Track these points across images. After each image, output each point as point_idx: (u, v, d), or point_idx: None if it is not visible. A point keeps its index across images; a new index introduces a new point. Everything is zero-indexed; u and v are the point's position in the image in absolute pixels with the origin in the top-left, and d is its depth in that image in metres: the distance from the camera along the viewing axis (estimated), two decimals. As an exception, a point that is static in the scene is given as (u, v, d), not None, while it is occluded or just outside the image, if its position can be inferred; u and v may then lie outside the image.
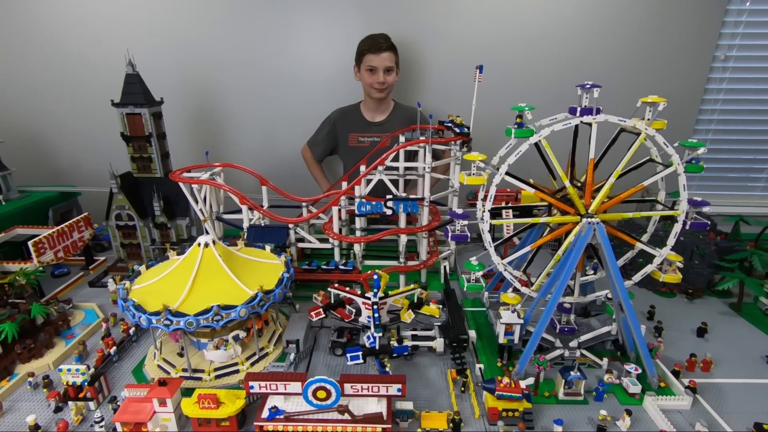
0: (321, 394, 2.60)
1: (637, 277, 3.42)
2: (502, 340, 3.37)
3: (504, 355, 3.48)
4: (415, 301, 3.63)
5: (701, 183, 6.77)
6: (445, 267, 4.79)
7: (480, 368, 3.34)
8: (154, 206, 4.78)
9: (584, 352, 3.44)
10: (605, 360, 3.40)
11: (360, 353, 3.28)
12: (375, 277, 3.54)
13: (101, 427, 2.82)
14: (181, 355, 3.39)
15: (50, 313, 3.73)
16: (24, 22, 6.09)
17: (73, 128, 6.49)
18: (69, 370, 2.96)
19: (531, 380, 3.01)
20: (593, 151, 3.06)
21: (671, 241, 3.24)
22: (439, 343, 3.56)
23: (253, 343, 3.40)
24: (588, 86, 2.93)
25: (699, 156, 3.09)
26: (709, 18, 5.92)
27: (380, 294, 3.39)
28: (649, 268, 3.36)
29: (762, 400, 3.15)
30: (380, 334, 3.35)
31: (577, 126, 3.14)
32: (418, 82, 6.45)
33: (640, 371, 3.20)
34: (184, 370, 3.24)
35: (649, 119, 3.04)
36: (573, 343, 3.46)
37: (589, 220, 3.08)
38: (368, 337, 3.40)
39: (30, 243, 4.13)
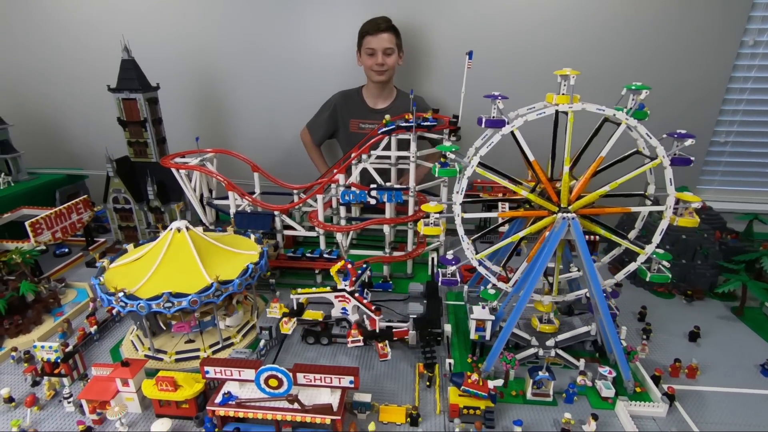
0: (273, 382, 2.60)
1: (620, 275, 3.25)
2: (473, 335, 3.28)
3: (476, 351, 3.40)
4: (295, 307, 3.55)
5: (714, 178, 6.38)
6: (433, 258, 4.69)
7: (450, 363, 3.27)
8: (148, 190, 4.88)
9: (560, 351, 3.30)
10: (582, 361, 3.26)
11: None
12: (349, 266, 3.51)
13: (69, 403, 2.92)
14: (192, 341, 3.45)
15: (40, 291, 3.89)
16: (32, 11, 6.29)
17: (81, 112, 6.69)
18: (43, 346, 3.07)
19: (500, 382, 2.92)
20: (568, 143, 2.89)
21: (657, 238, 3.05)
22: (411, 336, 3.51)
23: (217, 331, 3.43)
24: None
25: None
26: (737, -1, 5.48)
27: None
28: (632, 266, 3.18)
29: (746, 411, 2.95)
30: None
31: (556, 116, 2.98)
32: (423, 70, 6.30)
33: (615, 374, 3.05)
34: (155, 351, 3.33)
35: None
36: (549, 342, 3.34)
37: (564, 214, 2.92)
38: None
39: (27, 223, 4.29)
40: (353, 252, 4.58)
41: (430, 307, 3.75)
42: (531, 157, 3.03)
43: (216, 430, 2.69)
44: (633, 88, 2.82)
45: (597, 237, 4.24)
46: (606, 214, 3.05)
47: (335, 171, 4.33)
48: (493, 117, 2.95)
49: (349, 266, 3.44)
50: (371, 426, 2.65)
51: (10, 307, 3.65)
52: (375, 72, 5.60)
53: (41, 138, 6.77)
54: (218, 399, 2.67)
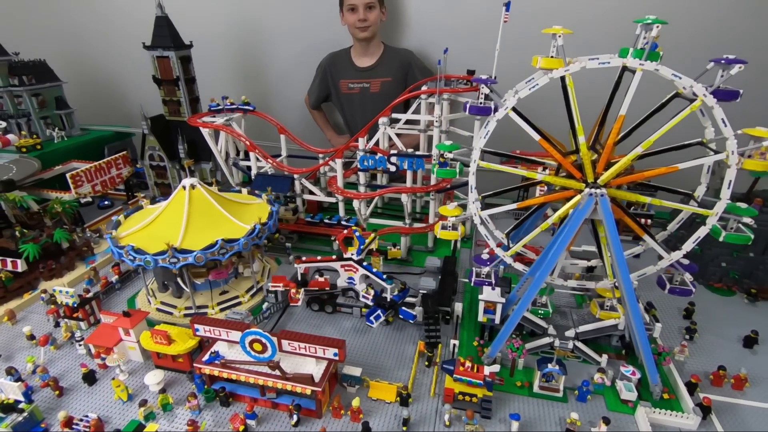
0: (257, 346, 2.53)
1: (689, 244, 2.66)
2: (481, 318, 3.01)
3: (484, 335, 3.14)
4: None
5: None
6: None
7: (454, 345, 3.05)
8: (179, 149, 4.97)
9: (579, 344, 2.95)
10: (605, 357, 2.90)
11: (379, 312, 3.19)
12: (356, 235, 3.35)
13: (80, 346, 3.07)
14: (225, 291, 3.57)
15: (74, 239, 4.12)
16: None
17: (130, 71, 6.92)
18: (62, 291, 3.24)
19: (497, 367, 2.65)
20: (626, 106, 2.43)
21: (726, 191, 2.49)
22: (418, 312, 3.31)
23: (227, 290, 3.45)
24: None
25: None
26: None
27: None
28: (703, 231, 2.60)
29: (801, 436, 2.48)
30: (392, 285, 3.22)
31: (620, 77, 2.52)
32: (406, 21, 5.86)
33: (639, 376, 2.67)
34: (164, 304, 3.42)
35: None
36: (569, 333, 2.99)
37: (593, 191, 2.52)
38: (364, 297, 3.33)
39: (68, 175, 4.54)
40: (373, 221, 4.40)
41: (443, 284, 3.51)
42: (536, 136, 2.63)
43: (205, 386, 2.70)
44: (647, 22, 2.28)
45: (649, 221, 3.73)
46: (645, 178, 2.57)
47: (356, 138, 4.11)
48: (481, 104, 2.64)
49: (357, 234, 3.27)
50: (355, 401, 2.52)
51: (47, 253, 3.90)
52: (358, 29, 5.34)
53: (94, 96, 7.14)
54: (206, 357, 2.66)
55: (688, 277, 2.76)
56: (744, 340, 3.14)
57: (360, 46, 5.60)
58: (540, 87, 2.49)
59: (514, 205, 2.87)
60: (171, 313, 3.39)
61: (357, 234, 3.37)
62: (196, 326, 2.68)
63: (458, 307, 3.38)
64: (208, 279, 3.45)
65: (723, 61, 2.28)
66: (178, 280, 3.36)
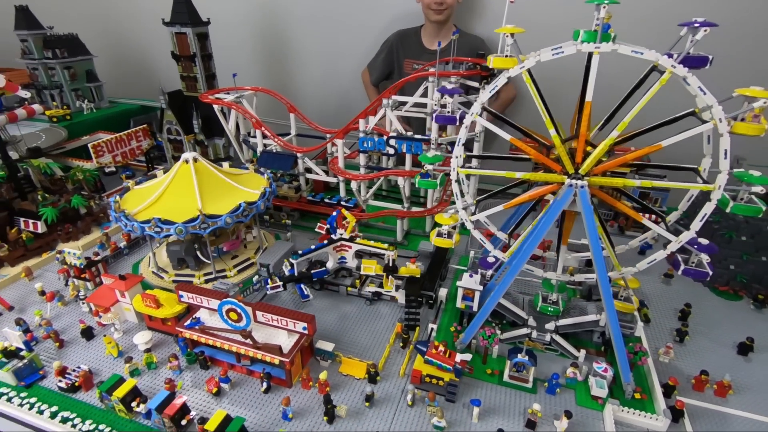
0: (233, 315, 2.66)
1: (696, 223, 2.47)
2: (459, 304, 3.01)
3: (463, 321, 3.14)
4: (389, 264, 3.38)
5: None
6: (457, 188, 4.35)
7: (432, 328, 3.07)
8: (193, 124, 5.15)
9: (557, 337, 2.91)
10: (583, 352, 2.84)
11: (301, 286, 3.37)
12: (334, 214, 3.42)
13: (83, 304, 3.31)
14: (234, 256, 3.82)
15: (91, 205, 4.39)
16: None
17: (156, 47, 7.14)
18: (70, 252, 3.49)
19: (469, 356, 2.67)
20: (591, 92, 2.34)
21: (724, 162, 2.28)
22: (400, 295, 3.35)
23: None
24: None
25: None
26: None
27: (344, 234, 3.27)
28: (709, 207, 2.37)
29: (780, 450, 2.36)
30: (296, 261, 3.37)
31: (588, 60, 2.40)
32: (482, 9, 5.62)
33: (610, 372, 2.61)
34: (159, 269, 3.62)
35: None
36: (549, 325, 2.95)
37: (573, 181, 2.44)
38: (286, 265, 3.49)
39: (90, 145, 4.82)
40: (377, 204, 4.43)
41: (431, 269, 3.53)
42: (506, 136, 2.58)
43: (188, 350, 2.87)
44: (597, 2, 2.15)
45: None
46: (628, 161, 2.44)
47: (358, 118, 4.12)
48: (448, 113, 2.64)
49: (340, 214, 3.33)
50: (323, 374, 2.61)
51: (65, 217, 4.18)
52: (433, 11, 5.12)
53: (123, 70, 7.44)
54: (188, 322, 2.82)
55: (704, 258, 2.48)
56: (738, 347, 2.99)
57: (432, 28, 5.42)
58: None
59: (501, 207, 2.80)
60: (162, 278, 3.59)
61: (333, 216, 3.42)
62: (181, 293, 2.83)
63: (443, 292, 3.40)
64: (217, 248, 3.65)
65: (697, 25, 2.10)
66: (198, 253, 3.56)
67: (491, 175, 2.73)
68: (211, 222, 3.21)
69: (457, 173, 2.71)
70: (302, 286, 3.40)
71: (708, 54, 2.16)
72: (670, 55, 2.18)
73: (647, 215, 2.63)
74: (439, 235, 2.87)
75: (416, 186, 2.96)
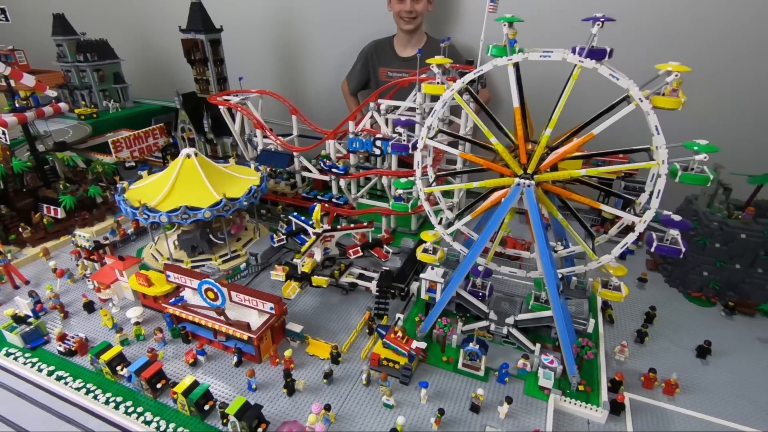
0: (210, 294, 2.93)
1: (617, 250, 2.57)
2: (423, 296, 3.19)
3: (427, 312, 3.31)
4: (369, 240, 3.65)
5: None
6: (441, 219, 4.54)
7: (399, 318, 3.26)
8: (203, 123, 5.54)
9: (514, 331, 3.04)
10: (538, 346, 2.97)
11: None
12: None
13: (89, 281, 3.68)
14: (238, 239, 4.23)
15: (106, 195, 4.81)
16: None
17: (179, 52, 7.64)
18: (81, 236, 3.87)
19: (423, 344, 2.84)
20: (515, 99, 2.51)
21: (654, 202, 2.35)
22: (373, 286, 3.55)
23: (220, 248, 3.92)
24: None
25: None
26: None
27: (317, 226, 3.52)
28: (629, 238, 2.46)
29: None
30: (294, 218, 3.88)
31: (517, 67, 2.56)
32: (456, 16, 5.86)
33: (556, 364, 2.73)
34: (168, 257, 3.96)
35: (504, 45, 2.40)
36: (509, 320, 3.09)
37: (520, 181, 2.59)
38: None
39: (110, 141, 5.26)
40: (367, 201, 4.66)
41: (406, 264, 3.72)
42: (456, 152, 2.87)
43: (174, 325, 3.16)
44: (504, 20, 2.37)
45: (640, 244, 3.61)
46: (568, 154, 2.52)
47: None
48: (402, 141, 2.99)
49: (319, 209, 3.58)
50: (288, 352, 2.84)
51: (83, 205, 4.61)
52: (404, 20, 5.41)
53: (146, 72, 7.99)
54: (172, 300, 3.12)
55: (674, 233, 2.45)
56: (697, 350, 3.04)
57: (404, 36, 5.70)
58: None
59: (469, 217, 2.99)
60: (157, 260, 3.95)
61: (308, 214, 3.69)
62: (168, 273, 3.13)
63: (415, 285, 3.58)
64: (226, 231, 4.00)
65: (603, 20, 2.22)
66: (211, 237, 3.94)
67: (454, 188, 2.93)
68: (232, 204, 3.60)
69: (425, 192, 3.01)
70: (302, 236, 3.85)
71: (612, 45, 2.26)
72: (581, 51, 2.29)
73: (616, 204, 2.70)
74: (425, 251, 3.02)
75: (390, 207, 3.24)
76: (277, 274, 3.50)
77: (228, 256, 3.96)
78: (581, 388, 2.70)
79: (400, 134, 3.06)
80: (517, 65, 2.48)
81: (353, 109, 6.46)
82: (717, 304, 3.55)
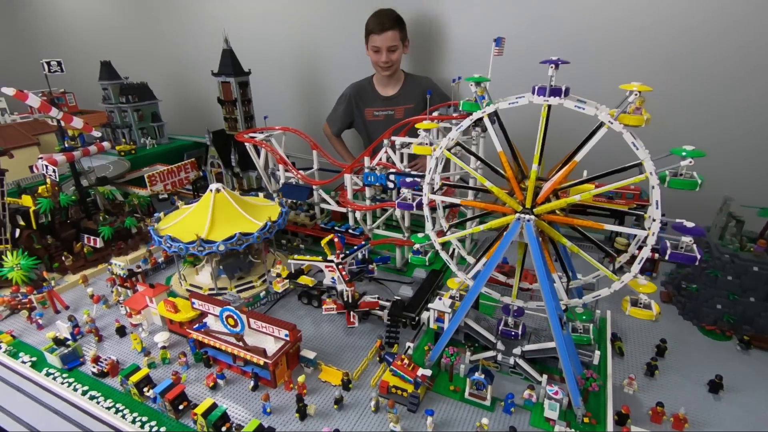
0: (231, 321, 3.14)
1: (635, 267, 2.61)
2: (432, 325, 3.31)
3: (436, 341, 3.41)
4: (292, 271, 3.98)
5: None
6: (455, 249, 4.66)
7: (409, 346, 3.38)
8: (231, 159, 5.92)
9: (521, 362, 3.11)
10: (545, 377, 3.02)
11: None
12: (336, 239, 3.85)
13: (122, 307, 3.96)
14: (252, 262, 4.45)
15: (140, 226, 5.18)
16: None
17: (211, 93, 8.21)
18: (117, 264, 4.19)
19: (429, 372, 2.95)
20: (497, 144, 2.78)
21: (655, 212, 2.39)
22: (384, 314, 3.69)
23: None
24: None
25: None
26: None
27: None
28: (644, 252, 2.49)
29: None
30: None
31: (496, 115, 2.80)
32: (434, 54, 6.30)
33: (560, 396, 2.77)
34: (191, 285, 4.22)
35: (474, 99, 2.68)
36: (516, 350, 3.16)
37: (520, 216, 2.74)
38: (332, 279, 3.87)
39: (145, 175, 5.69)
40: (378, 231, 4.85)
41: (418, 294, 3.85)
42: (458, 201, 3.09)
43: (197, 349, 3.37)
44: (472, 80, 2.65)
45: (656, 255, 3.65)
46: (557, 185, 2.71)
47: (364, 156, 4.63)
48: (404, 200, 3.24)
49: (336, 240, 3.77)
50: (301, 378, 2.99)
51: (119, 235, 4.98)
52: (381, 68, 5.86)
53: (181, 111, 8.60)
54: (196, 326, 3.34)
55: (688, 239, 2.44)
56: (710, 385, 3.02)
57: (382, 78, 6.18)
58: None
59: (468, 231, 3.17)
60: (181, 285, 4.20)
61: (336, 239, 3.86)
62: (193, 300, 3.37)
63: (426, 315, 3.69)
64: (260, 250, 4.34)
65: (559, 62, 2.42)
66: (251, 257, 4.26)
67: (465, 234, 3.19)
68: (245, 239, 3.82)
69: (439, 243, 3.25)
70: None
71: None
72: (542, 92, 2.49)
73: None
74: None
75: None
76: (329, 307, 3.71)
77: (265, 275, 4.24)
78: (586, 420, 2.73)
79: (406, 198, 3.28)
80: (496, 113, 2.73)
81: (340, 150, 6.93)
82: (732, 337, 3.51)
